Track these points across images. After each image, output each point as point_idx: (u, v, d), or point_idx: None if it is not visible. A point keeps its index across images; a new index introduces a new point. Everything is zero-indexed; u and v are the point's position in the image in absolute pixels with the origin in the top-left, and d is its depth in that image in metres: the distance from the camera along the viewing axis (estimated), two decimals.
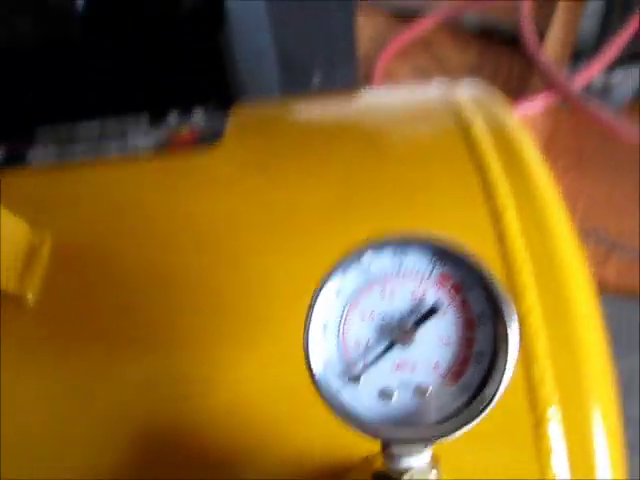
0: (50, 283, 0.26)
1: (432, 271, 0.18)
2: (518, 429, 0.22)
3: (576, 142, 0.62)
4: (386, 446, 0.18)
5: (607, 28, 0.66)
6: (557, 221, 0.26)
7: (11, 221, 0.25)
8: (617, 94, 0.63)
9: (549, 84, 0.60)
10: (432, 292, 0.18)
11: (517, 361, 0.17)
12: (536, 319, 0.23)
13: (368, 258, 0.19)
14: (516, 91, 0.66)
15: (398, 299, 0.18)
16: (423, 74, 0.69)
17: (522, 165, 0.27)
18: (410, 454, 0.18)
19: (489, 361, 0.18)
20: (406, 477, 0.18)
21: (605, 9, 0.68)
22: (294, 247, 0.24)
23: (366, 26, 0.72)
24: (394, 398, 0.18)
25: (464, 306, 0.18)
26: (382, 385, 0.18)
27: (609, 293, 0.52)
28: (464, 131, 0.28)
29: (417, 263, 0.19)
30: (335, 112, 0.33)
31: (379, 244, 0.18)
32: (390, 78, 0.69)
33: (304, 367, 0.18)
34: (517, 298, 0.23)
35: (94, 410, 0.24)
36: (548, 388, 0.22)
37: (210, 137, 0.30)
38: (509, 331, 0.18)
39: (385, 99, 0.34)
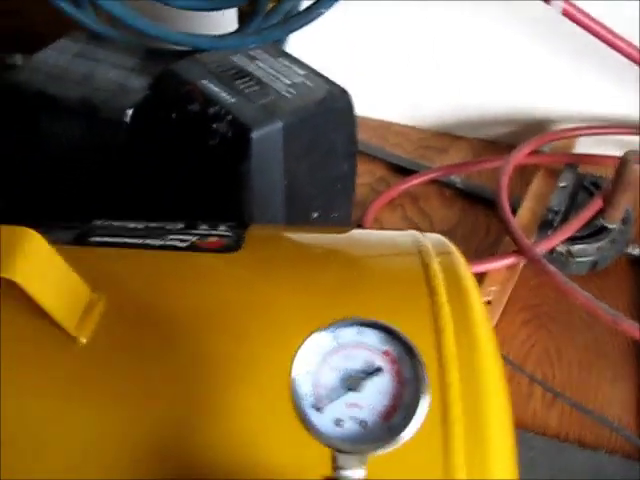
0: (101, 332, 0.33)
1: (380, 346, 0.27)
2: None
3: (536, 300, 0.70)
4: (335, 458, 0.26)
5: (574, 205, 0.75)
6: (485, 340, 0.33)
7: (77, 281, 0.33)
8: (577, 263, 0.71)
9: (517, 246, 0.68)
10: (378, 360, 0.27)
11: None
12: (457, 409, 0.30)
13: (341, 330, 0.27)
14: (491, 247, 0.75)
15: (356, 361, 0.27)
16: (409, 224, 0.78)
17: (463, 297, 0.36)
18: (351, 467, 0.26)
19: (410, 411, 0.26)
20: None
21: (574, 188, 0.77)
22: (286, 328, 0.32)
23: (364, 175, 0.81)
24: (345, 426, 0.26)
25: (398, 372, 0.27)
26: (337, 416, 0.26)
27: (550, 437, 0.58)
28: (424, 267, 0.37)
29: (372, 340, 0.27)
30: (329, 239, 0.43)
31: (350, 321, 0.27)
32: (379, 224, 0.77)
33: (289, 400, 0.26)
34: (444, 389, 0.31)
35: (122, 439, 0.30)
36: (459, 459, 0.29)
37: (231, 247, 0.38)
38: (424, 395, 0.26)
39: (369, 236, 0.43)
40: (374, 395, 0.26)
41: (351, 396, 0.26)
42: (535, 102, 0.87)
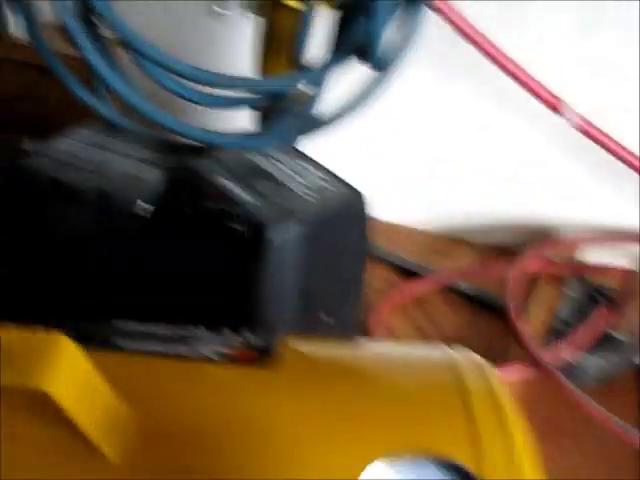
0: (132, 450, 0.31)
1: None
2: None
3: (551, 413, 0.68)
4: None
5: (583, 314, 0.75)
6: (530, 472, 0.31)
7: (109, 393, 0.31)
8: (588, 374, 0.70)
9: (527, 356, 0.67)
10: None
11: None
12: None
13: (399, 465, 0.25)
14: (500, 354, 0.73)
15: None
16: (416, 330, 0.77)
17: (505, 421, 0.34)
18: None
19: None
20: None
21: (581, 297, 0.77)
22: (327, 452, 0.30)
23: (370, 277, 0.80)
24: None
25: None
26: None
27: None
28: (461, 390, 0.35)
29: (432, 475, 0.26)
30: (362, 354, 0.41)
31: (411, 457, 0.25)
32: (385, 328, 0.76)
33: None
34: None
35: None
36: None
37: (264, 360, 0.36)
38: None
39: (400, 352, 0.41)
40: None
41: None
42: (541, 209, 0.88)
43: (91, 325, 0.39)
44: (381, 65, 0.56)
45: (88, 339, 0.35)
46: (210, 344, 0.36)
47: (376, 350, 0.42)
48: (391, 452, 0.25)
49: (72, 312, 0.55)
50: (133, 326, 0.39)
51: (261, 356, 0.36)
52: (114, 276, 0.58)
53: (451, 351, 0.40)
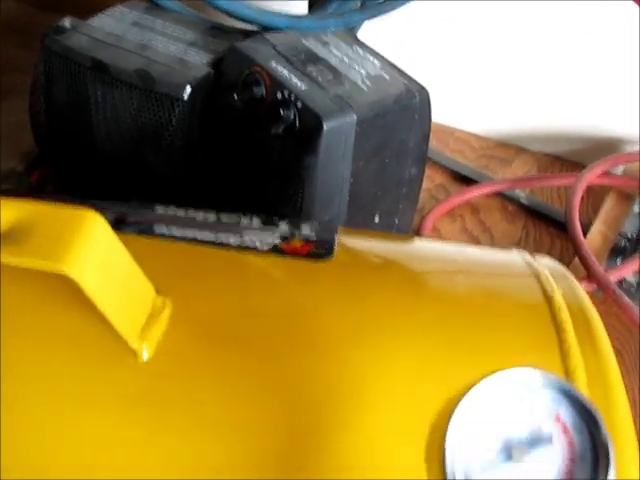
0: (166, 345, 0.28)
1: (550, 409, 0.22)
2: None
3: (608, 333, 0.64)
4: None
5: None
6: (619, 391, 0.28)
7: (143, 281, 0.27)
8: None
9: (587, 272, 0.63)
10: (546, 426, 0.22)
11: None
12: None
13: (503, 384, 0.22)
14: None
15: (518, 425, 0.22)
16: (469, 237, 0.73)
17: (592, 335, 0.30)
18: None
19: None
20: None
21: None
22: (394, 359, 0.27)
23: (424, 182, 0.76)
24: None
25: (570, 444, 0.21)
26: None
27: None
28: (547, 298, 0.31)
29: (540, 399, 0.22)
30: (431, 254, 0.37)
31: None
32: (437, 234, 0.72)
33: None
34: None
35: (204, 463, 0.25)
36: None
37: (321, 254, 0.33)
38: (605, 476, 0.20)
39: (473, 254, 0.37)
40: (538, 470, 0.20)
41: (510, 469, 0.20)
42: (608, 121, 0.82)
43: (129, 209, 0.35)
44: None
45: (125, 224, 0.32)
46: (261, 234, 0.33)
47: (443, 251, 0.38)
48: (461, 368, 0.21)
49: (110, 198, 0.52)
50: (175, 212, 0.35)
51: (318, 250, 0.32)
52: (155, 163, 0.54)
53: (529, 257, 0.36)
